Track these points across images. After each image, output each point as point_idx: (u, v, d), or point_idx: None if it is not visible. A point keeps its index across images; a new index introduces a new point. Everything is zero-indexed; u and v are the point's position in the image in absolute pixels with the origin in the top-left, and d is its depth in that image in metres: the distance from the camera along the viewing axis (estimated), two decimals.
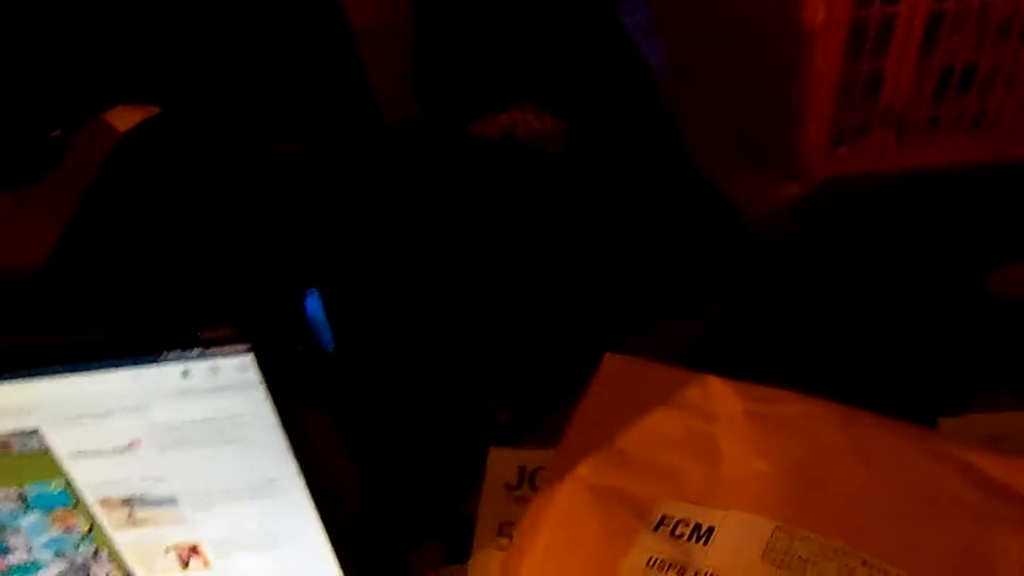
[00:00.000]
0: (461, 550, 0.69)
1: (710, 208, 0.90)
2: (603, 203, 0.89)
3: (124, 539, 0.60)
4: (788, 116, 0.84)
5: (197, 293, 0.61)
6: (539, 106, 0.91)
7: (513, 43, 0.99)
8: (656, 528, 0.59)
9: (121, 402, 0.53)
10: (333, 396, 0.54)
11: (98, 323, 0.50)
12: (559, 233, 0.82)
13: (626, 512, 0.60)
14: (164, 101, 0.94)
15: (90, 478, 0.56)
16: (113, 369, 0.51)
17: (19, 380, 0.51)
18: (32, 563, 0.61)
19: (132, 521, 0.59)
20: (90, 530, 0.59)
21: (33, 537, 0.59)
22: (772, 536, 0.57)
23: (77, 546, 0.60)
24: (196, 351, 0.50)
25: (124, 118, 0.94)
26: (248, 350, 0.50)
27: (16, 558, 0.60)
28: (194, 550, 0.61)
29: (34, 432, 0.54)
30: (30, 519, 0.58)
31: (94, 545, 0.60)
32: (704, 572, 0.56)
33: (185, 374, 0.51)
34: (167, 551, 0.61)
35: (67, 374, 0.51)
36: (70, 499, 0.57)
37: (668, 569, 0.57)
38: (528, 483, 0.71)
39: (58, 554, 0.60)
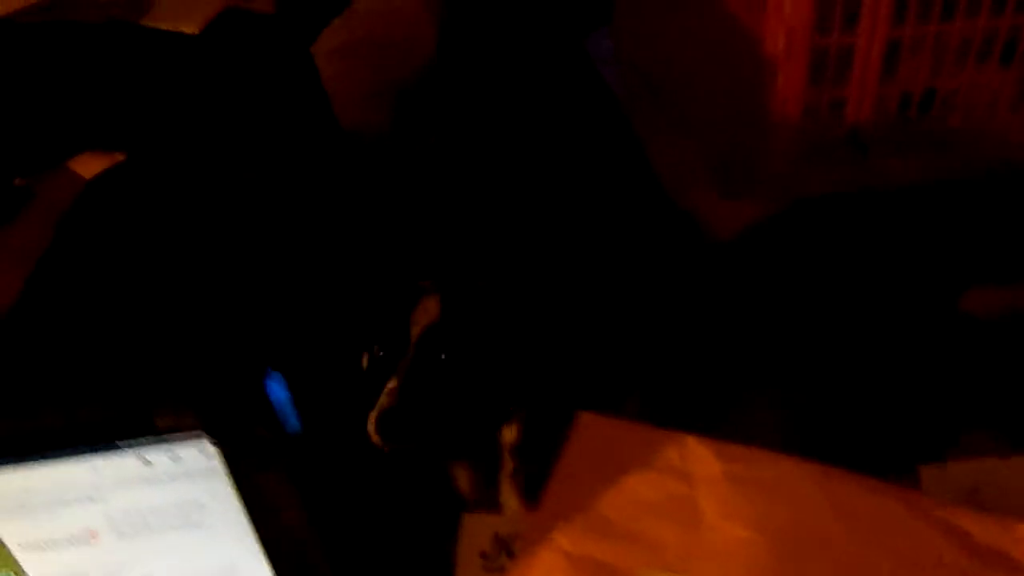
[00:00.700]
0: None
1: (678, 231, 0.90)
2: (568, 233, 0.88)
3: None
4: (755, 140, 0.85)
5: (153, 377, 0.59)
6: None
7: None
8: None
9: (78, 491, 0.51)
10: (299, 476, 0.52)
11: (51, 410, 0.48)
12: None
13: None
14: (129, 148, 0.93)
15: (44, 570, 0.54)
16: (69, 458, 0.49)
17: None
18: None
19: None
20: None
21: None
22: None
23: None
24: (153, 439, 0.48)
25: (89, 165, 0.92)
26: (207, 436, 0.48)
27: None
28: None
29: None
30: None
31: None
32: None
33: (146, 462, 0.50)
34: None
35: (20, 465, 0.49)
36: None
37: None
38: (504, 551, 0.70)
39: None
